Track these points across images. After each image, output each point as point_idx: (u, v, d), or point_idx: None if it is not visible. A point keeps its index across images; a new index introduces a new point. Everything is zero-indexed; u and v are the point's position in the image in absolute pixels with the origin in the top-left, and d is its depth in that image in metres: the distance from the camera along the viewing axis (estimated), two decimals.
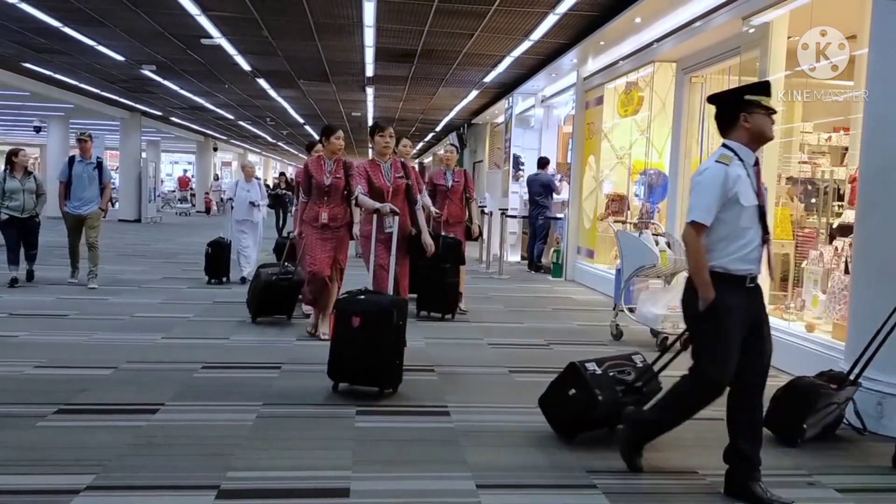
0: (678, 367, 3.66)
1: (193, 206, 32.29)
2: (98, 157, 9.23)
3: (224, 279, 9.60)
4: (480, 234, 8.85)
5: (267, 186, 16.83)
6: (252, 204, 9.71)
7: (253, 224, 9.84)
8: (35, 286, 8.77)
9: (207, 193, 31.32)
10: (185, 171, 40.52)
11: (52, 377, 5.00)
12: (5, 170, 8.91)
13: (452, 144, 8.17)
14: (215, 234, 10.24)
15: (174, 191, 34.82)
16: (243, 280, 9.28)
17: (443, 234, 7.80)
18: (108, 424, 4.08)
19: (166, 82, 16.60)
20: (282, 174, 23.44)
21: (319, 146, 7.02)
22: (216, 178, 34.53)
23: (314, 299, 6.38)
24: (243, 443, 3.81)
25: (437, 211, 7.77)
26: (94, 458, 3.51)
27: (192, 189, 34.29)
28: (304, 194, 6.34)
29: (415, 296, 7.51)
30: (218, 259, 9.66)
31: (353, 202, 5.94)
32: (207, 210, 30.36)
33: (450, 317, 7.61)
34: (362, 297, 4.73)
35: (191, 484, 3.29)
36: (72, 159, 9.07)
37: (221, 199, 34.10)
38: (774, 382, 5.59)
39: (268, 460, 3.60)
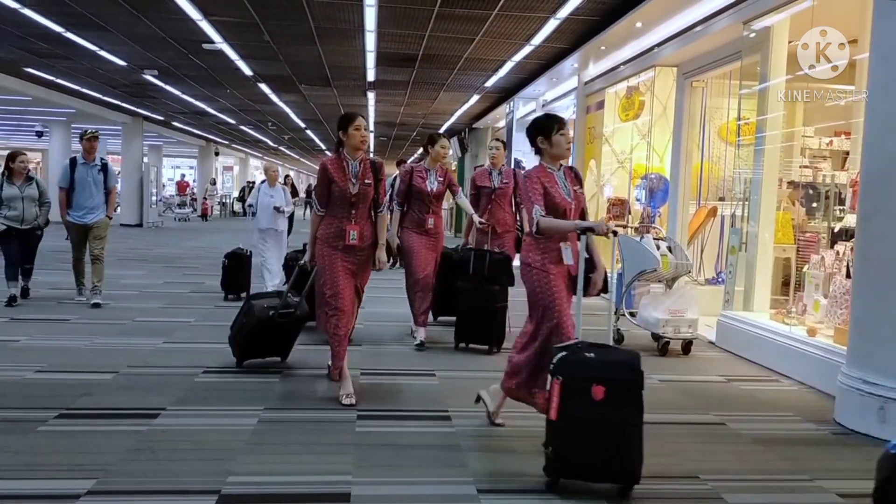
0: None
1: (194, 210, 32.24)
2: (103, 159, 8.23)
3: (243, 295, 8.27)
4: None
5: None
6: (277, 209, 8.90)
7: (277, 233, 9.06)
8: (34, 296, 8.26)
9: (206, 199, 30.94)
10: (183, 175, 39.69)
11: (54, 382, 4.99)
12: (3, 175, 7.90)
13: (499, 140, 7.49)
14: (215, 238, 10.17)
15: (174, 195, 34.51)
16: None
17: (487, 247, 6.69)
18: (109, 429, 4.08)
19: (168, 87, 16.63)
20: (287, 177, 23.37)
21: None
22: (213, 182, 34.42)
23: (342, 335, 4.71)
24: (244, 447, 3.81)
25: (482, 219, 6.83)
26: (95, 463, 3.50)
27: (192, 193, 34.15)
28: (321, 206, 4.79)
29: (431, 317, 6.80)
30: (237, 272, 8.68)
31: (535, 227, 3.91)
32: (204, 215, 29.65)
33: (496, 350, 6.29)
34: (591, 353, 3.38)
35: (192, 489, 3.29)
36: (73, 161, 7.97)
37: (223, 204, 34.30)
38: (775, 386, 5.61)
39: (269, 465, 3.59)
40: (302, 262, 5.08)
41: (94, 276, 7.90)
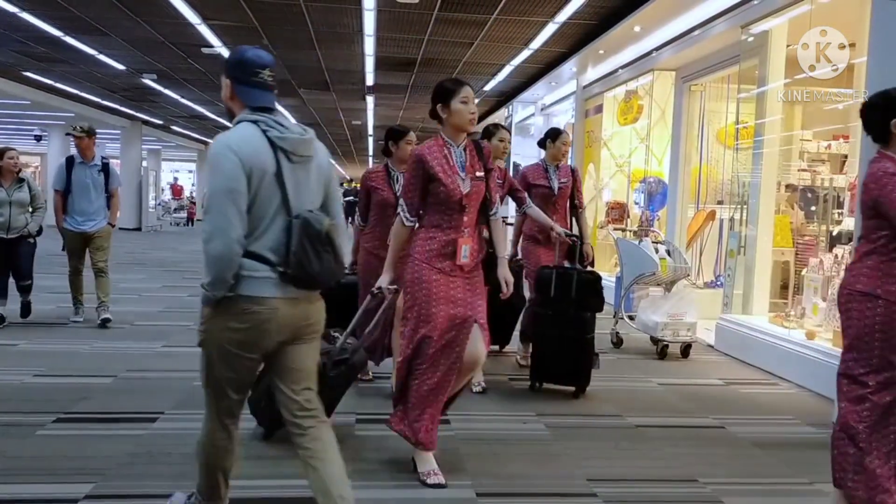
0: None
1: None
2: (104, 158, 7.19)
3: None
4: (592, 259, 5.91)
5: None
6: None
7: None
8: (35, 304, 7.48)
9: (192, 203, 30.04)
10: (176, 178, 38.66)
11: (52, 385, 4.98)
12: None
13: (560, 130, 6.06)
14: None
15: (171, 199, 33.88)
16: None
17: (572, 264, 5.48)
18: (107, 433, 4.07)
19: (167, 91, 16.65)
20: None
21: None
22: None
23: (431, 415, 3.51)
24: (242, 451, 3.80)
25: (566, 231, 5.66)
26: (93, 467, 3.50)
27: (191, 197, 33.95)
28: (410, 211, 3.53)
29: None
30: None
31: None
32: (189, 220, 28.54)
33: (582, 393, 5.14)
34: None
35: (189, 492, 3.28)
36: (70, 161, 6.98)
37: None
38: (774, 389, 5.61)
39: (267, 469, 3.59)
40: (378, 288, 3.61)
41: (100, 292, 7.02)
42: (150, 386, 5.02)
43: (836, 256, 5.90)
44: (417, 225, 3.55)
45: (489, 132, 5.34)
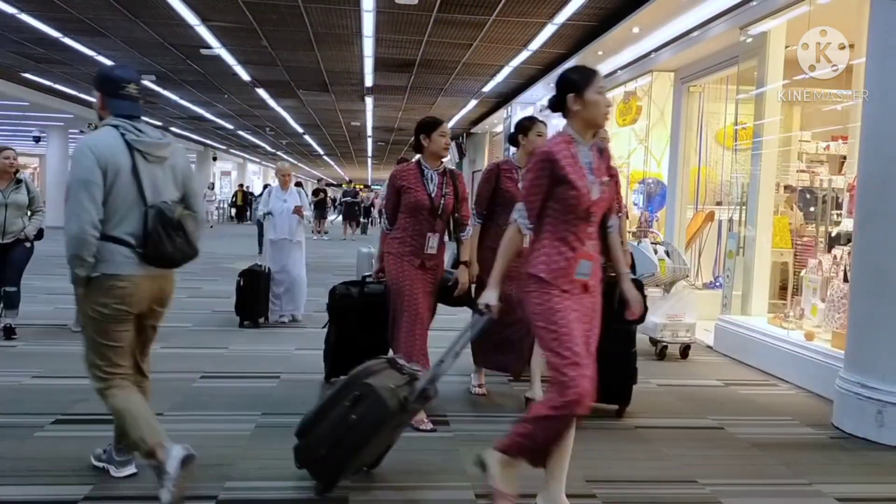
0: None
1: None
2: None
3: (262, 320, 7.35)
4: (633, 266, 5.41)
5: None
6: (297, 212, 7.48)
7: (293, 245, 7.54)
8: (34, 305, 7.78)
9: None
10: None
11: (50, 387, 4.98)
12: None
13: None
14: (212, 244, 10.03)
15: None
16: (293, 318, 7.52)
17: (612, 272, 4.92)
18: (106, 434, 4.04)
19: (166, 92, 16.65)
20: (298, 184, 23.13)
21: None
22: (211, 186, 34.33)
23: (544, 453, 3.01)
24: (242, 453, 3.80)
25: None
26: (91, 469, 3.49)
27: None
28: (530, 217, 3.03)
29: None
30: (253, 294, 7.25)
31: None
32: None
33: (623, 412, 4.73)
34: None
35: (189, 494, 3.26)
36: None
37: (220, 209, 34.21)
38: (773, 390, 5.61)
39: (266, 470, 3.58)
40: (486, 306, 3.03)
41: None
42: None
43: (835, 257, 5.90)
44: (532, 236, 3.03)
45: (524, 126, 4.86)
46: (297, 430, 3.35)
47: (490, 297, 3.02)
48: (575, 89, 3.03)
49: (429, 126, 4.39)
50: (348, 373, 3.33)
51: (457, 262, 4.65)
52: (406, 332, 4.21)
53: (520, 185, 4.67)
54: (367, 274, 5.05)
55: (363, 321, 4.78)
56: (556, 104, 3.10)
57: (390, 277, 4.37)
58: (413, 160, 4.58)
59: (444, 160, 4.50)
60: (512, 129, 4.99)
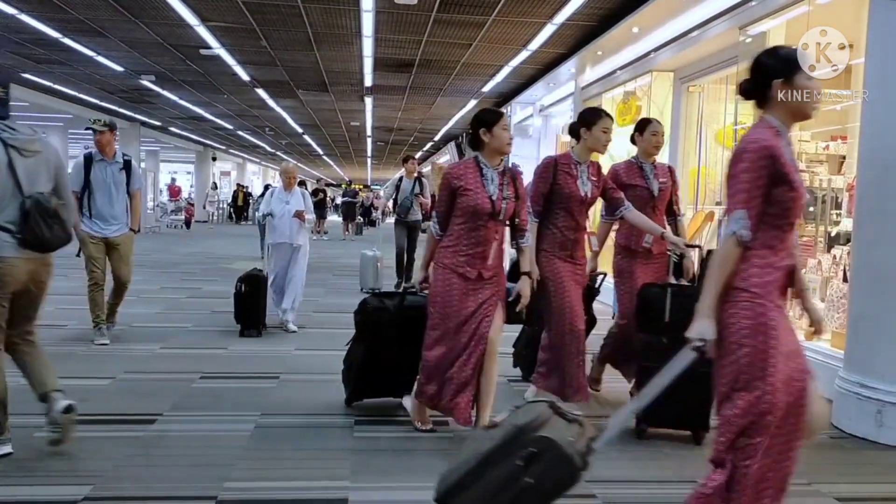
0: None
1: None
2: (125, 155, 6.49)
3: (262, 327, 7.03)
4: (695, 275, 4.82)
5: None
6: (298, 216, 7.11)
7: (294, 249, 7.20)
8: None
9: (191, 205, 29.38)
10: (174, 178, 37.48)
11: None
12: None
13: (649, 119, 5.07)
14: (212, 244, 10.01)
15: (169, 200, 33.14)
16: (286, 329, 7.16)
17: (677, 280, 4.74)
18: (105, 435, 4.06)
19: (165, 93, 16.65)
20: (301, 183, 22.85)
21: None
22: (214, 186, 34.26)
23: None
24: (241, 453, 3.80)
25: (685, 241, 4.89)
26: (91, 469, 3.50)
27: (189, 198, 33.58)
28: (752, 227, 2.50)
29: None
30: (254, 300, 6.87)
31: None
32: (188, 222, 27.52)
33: (702, 438, 4.17)
34: None
35: (188, 495, 3.28)
36: (88, 158, 6.27)
37: (220, 209, 34.20)
38: None
39: (266, 471, 3.58)
40: (697, 337, 2.52)
41: (117, 298, 6.52)
42: (149, 388, 5.02)
43: (835, 257, 5.90)
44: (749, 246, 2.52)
45: (588, 119, 4.56)
46: (440, 493, 2.59)
47: (705, 329, 2.48)
48: (783, 75, 2.53)
49: (489, 119, 3.98)
50: (376, 396, 2.98)
51: (513, 273, 4.30)
52: (441, 356, 3.92)
53: (578, 182, 4.46)
54: (408, 285, 4.65)
55: (401, 338, 4.27)
56: (753, 91, 2.62)
57: (432, 292, 3.98)
58: (469, 157, 4.13)
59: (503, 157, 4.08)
60: (573, 120, 4.63)
